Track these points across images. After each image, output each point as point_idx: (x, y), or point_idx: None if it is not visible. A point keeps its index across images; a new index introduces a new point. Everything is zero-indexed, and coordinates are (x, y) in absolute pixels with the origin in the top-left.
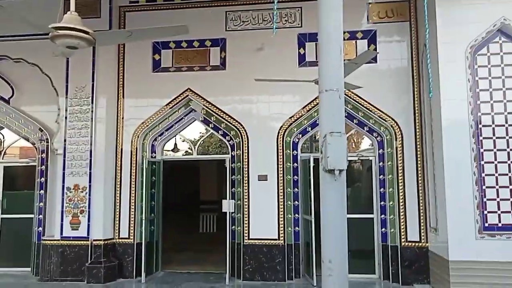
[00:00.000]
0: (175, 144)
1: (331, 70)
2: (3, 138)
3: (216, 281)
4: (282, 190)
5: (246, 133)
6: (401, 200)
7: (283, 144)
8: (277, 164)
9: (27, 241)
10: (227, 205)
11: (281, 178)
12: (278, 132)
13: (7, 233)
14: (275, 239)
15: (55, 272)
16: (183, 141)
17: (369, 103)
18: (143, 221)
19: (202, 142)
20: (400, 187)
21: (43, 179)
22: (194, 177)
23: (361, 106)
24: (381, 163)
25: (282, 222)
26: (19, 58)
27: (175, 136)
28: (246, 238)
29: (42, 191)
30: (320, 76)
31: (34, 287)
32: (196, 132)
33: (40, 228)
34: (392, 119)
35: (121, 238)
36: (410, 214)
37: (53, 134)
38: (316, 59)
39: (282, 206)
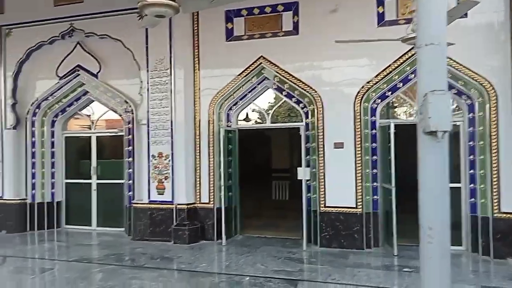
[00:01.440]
0: (246, 113)
1: (432, 21)
2: (92, 111)
3: (293, 246)
4: (359, 158)
5: (321, 100)
6: (494, 169)
7: (360, 110)
8: (354, 131)
9: (119, 203)
10: (303, 173)
11: (359, 146)
12: (355, 98)
13: (102, 197)
14: (353, 207)
15: (145, 233)
16: (253, 110)
17: (457, 62)
18: (222, 187)
19: (275, 110)
20: (494, 154)
21: (130, 147)
22: (265, 146)
23: (449, 66)
24: (470, 128)
25: (360, 190)
26: (104, 34)
27: (249, 105)
28: (322, 205)
29: (130, 159)
30: (419, 29)
31: (128, 245)
32: (269, 100)
33: (131, 193)
34: (485, 79)
35: (202, 203)
36: (505, 183)
37: (137, 105)
38: (397, 17)
39: (359, 174)
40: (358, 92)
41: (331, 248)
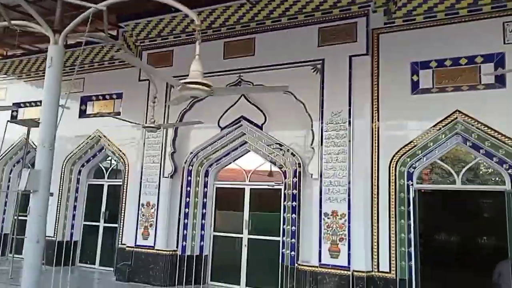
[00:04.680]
0: (428, 172)
1: None
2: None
3: None
4: None
5: None
6: None
7: None
8: None
9: (274, 263)
10: None
11: None
12: None
13: (254, 254)
14: None
15: None
16: (437, 168)
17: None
18: (412, 255)
19: (466, 170)
20: None
21: (294, 203)
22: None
23: None
24: None
25: None
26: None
27: (433, 161)
28: None
29: (294, 215)
30: None
31: None
32: (459, 158)
33: (293, 252)
34: None
35: (381, 272)
36: None
37: (303, 158)
38: None
39: None
40: None
41: None
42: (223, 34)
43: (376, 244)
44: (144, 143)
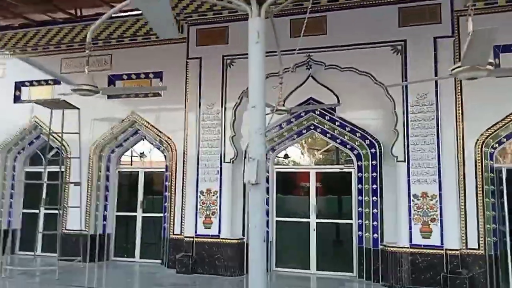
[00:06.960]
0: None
1: None
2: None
3: None
4: None
5: None
6: None
7: None
8: None
9: (347, 245)
10: None
11: None
12: None
13: (323, 237)
14: None
15: (406, 280)
16: None
17: None
18: (493, 231)
19: None
20: None
21: (375, 185)
22: None
23: None
24: None
25: None
26: (349, 67)
27: None
28: None
29: (375, 198)
30: None
31: None
32: None
33: (376, 235)
34: None
35: (469, 249)
36: None
37: (383, 141)
38: None
39: None
40: None
41: None
42: (290, 11)
43: (464, 222)
44: (199, 127)
